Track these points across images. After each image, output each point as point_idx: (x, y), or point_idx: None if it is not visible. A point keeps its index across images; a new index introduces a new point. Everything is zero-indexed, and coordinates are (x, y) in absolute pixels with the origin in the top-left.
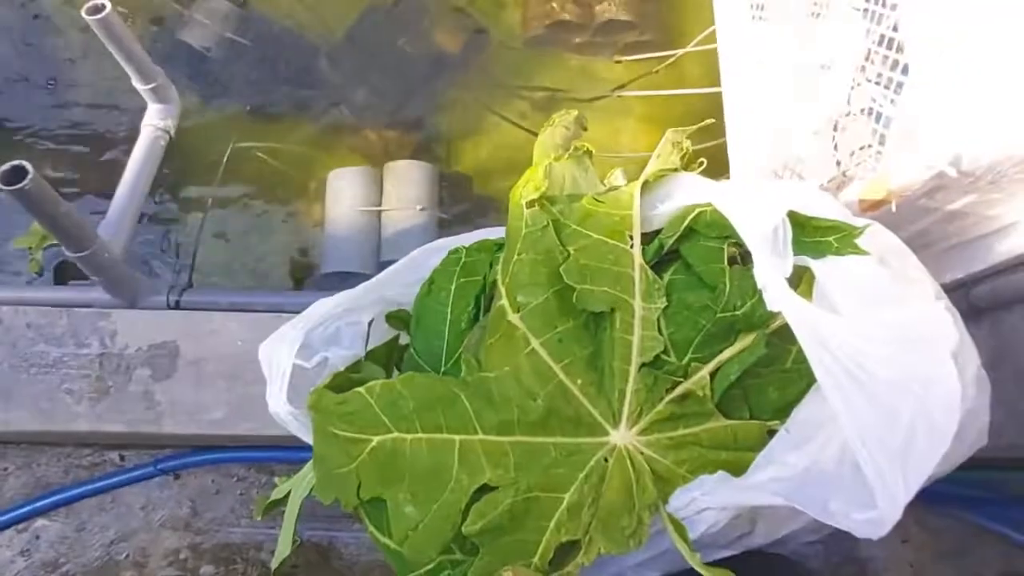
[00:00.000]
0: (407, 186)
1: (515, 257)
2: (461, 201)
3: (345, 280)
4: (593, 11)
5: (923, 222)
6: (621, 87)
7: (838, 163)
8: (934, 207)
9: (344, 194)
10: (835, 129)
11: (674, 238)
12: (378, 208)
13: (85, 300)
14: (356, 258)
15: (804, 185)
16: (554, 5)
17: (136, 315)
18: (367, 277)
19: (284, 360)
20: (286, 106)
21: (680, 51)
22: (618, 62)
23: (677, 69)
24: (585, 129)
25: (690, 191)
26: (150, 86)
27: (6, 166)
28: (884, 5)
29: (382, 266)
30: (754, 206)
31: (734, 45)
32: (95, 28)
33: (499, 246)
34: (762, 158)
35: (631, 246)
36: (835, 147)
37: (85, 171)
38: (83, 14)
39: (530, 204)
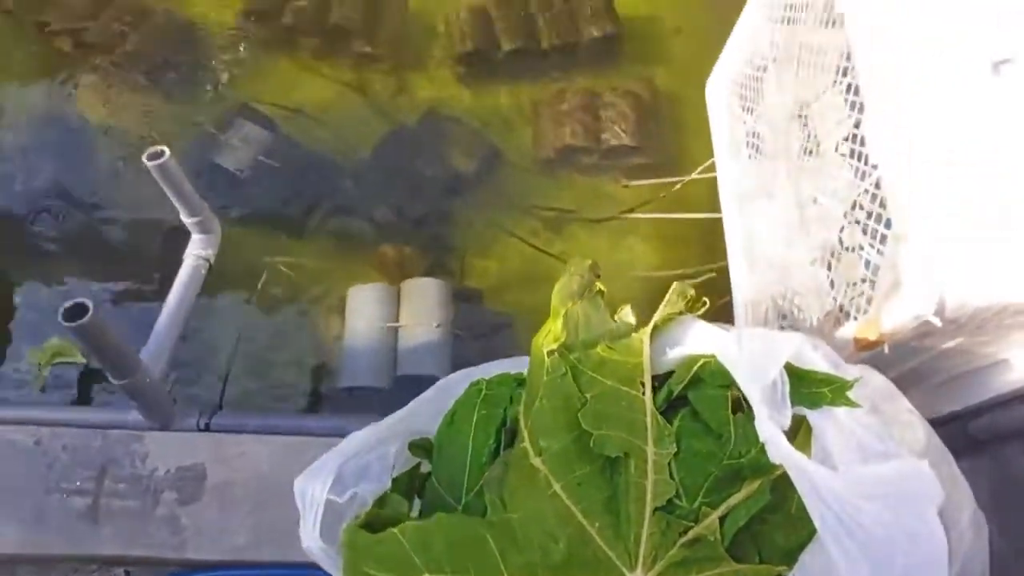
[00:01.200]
0: (423, 303)
1: (537, 403)
2: (474, 316)
3: (361, 394)
4: (600, 137)
5: (916, 360)
6: (630, 210)
7: (834, 298)
8: (926, 348)
9: (363, 310)
10: (830, 262)
11: (682, 386)
12: (395, 324)
13: (120, 422)
14: (373, 373)
15: (798, 336)
16: (565, 130)
17: (168, 437)
18: (382, 391)
19: (318, 495)
20: (310, 223)
21: (684, 179)
22: (626, 186)
23: (682, 191)
24: (598, 276)
25: (696, 338)
26: (196, 219)
27: (69, 303)
28: (867, 163)
29: (398, 381)
30: (753, 359)
31: (732, 177)
32: (154, 172)
33: (519, 381)
34: (763, 285)
35: (643, 393)
36: (831, 282)
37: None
38: (144, 160)
39: (550, 353)
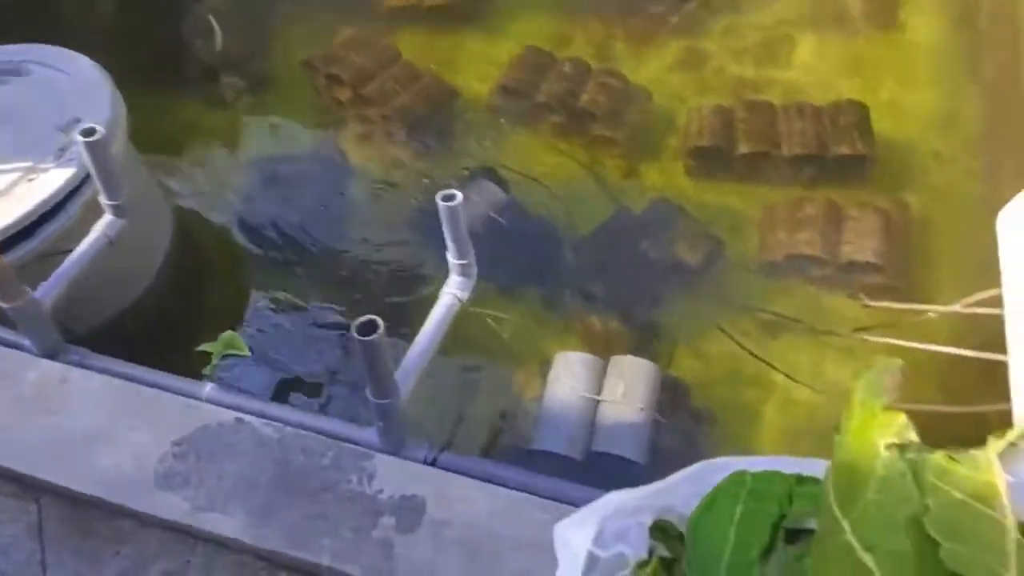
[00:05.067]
0: (631, 382)
1: (866, 496)
2: (676, 406)
3: (549, 460)
4: (838, 250)
5: None
6: (864, 329)
7: None
8: None
9: (567, 377)
10: None
11: None
12: (598, 398)
13: (356, 438)
14: (567, 442)
15: None
16: (800, 237)
17: (396, 463)
18: (574, 462)
19: (581, 544)
20: (525, 283)
21: (941, 308)
22: (866, 306)
23: (925, 323)
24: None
25: None
26: (462, 262)
27: (364, 319)
28: None
29: (591, 456)
30: None
31: None
32: (443, 213)
33: (799, 479)
34: None
35: (1004, 516)
36: None
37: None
38: (438, 200)
39: (888, 447)
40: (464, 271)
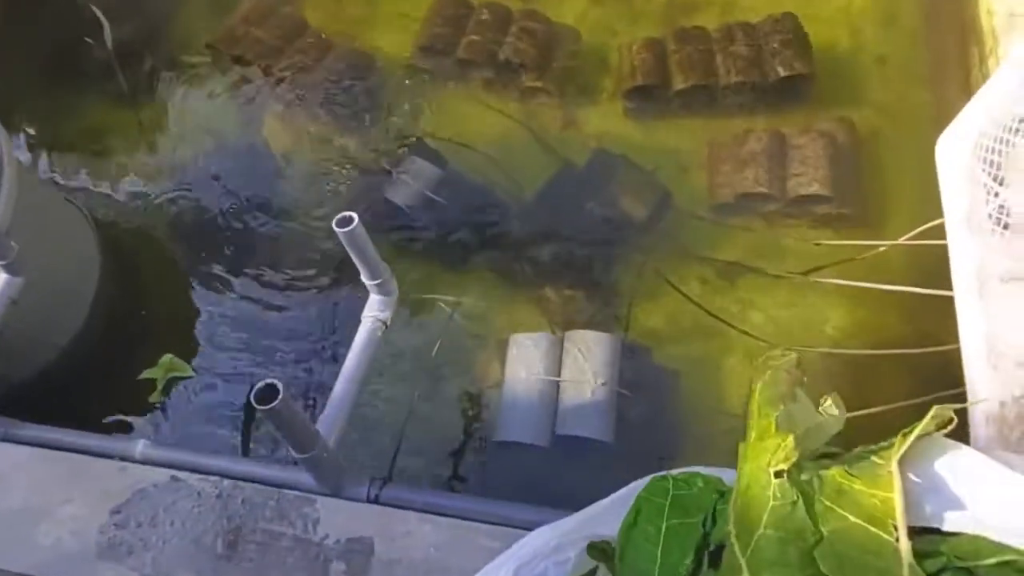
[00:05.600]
0: (589, 357)
1: (760, 530)
2: (638, 371)
3: (516, 450)
4: (787, 184)
5: None
6: (816, 269)
7: None
8: None
9: (524, 361)
10: None
11: (967, 567)
12: (558, 379)
13: (295, 481)
14: (532, 430)
15: None
16: (746, 175)
17: (338, 505)
18: (540, 449)
19: None
20: (473, 261)
21: (889, 243)
22: (818, 244)
23: (884, 253)
24: (804, 374)
25: (983, 499)
26: (377, 282)
27: (261, 384)
28: None
29: (556, 440)
30: None
31: (969, 255)
32: (342, 239)
33: (719, 492)
34: (1010, 387)
35: (896, 539)
36: None
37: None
38: (333, 226)
39: (779, 474)
40: (382, 290)
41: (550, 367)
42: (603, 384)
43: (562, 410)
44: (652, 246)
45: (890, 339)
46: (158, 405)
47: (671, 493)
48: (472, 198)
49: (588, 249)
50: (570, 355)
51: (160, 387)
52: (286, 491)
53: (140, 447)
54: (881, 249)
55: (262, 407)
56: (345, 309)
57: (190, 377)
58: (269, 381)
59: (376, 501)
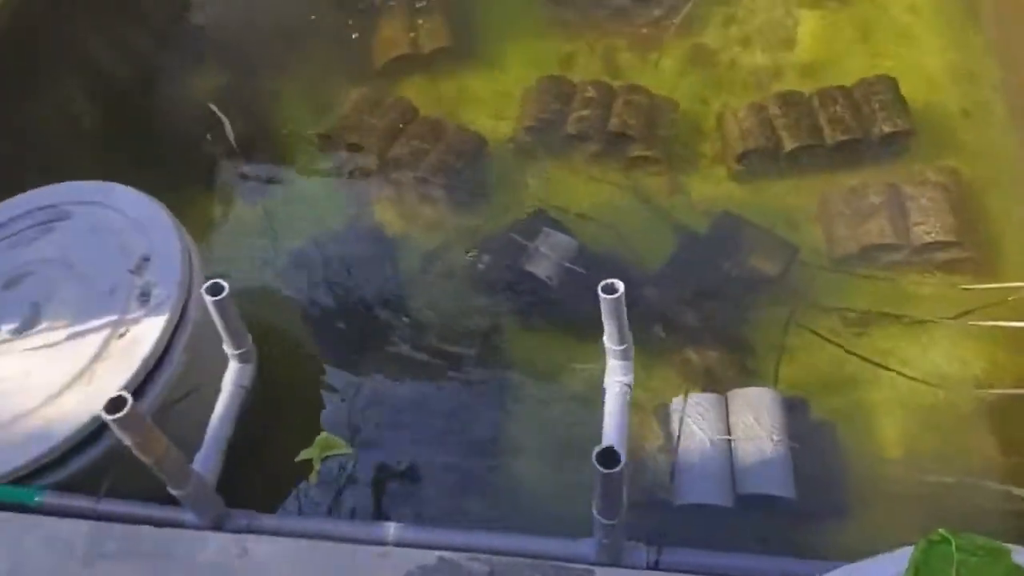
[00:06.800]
0: (758, 414)
1: None
2: (801, 427)
3: (698, 512)
4: (911, 233)
5: None
6: (966, 313)
7: None
8: None
9: (693, 420)
10: None
11: None
12: (731, 438)
13: (569, 554)
14: (714, 490)
15: None
16: (870, 227)
17: (618, 575)
18: (723, 509)
19: None
20: None
21: None
22: (967, 289)
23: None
24: None
25: None
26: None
27: (601, 448)
28: None
29: (739, 500)
30: None
31: None
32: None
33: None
34: None
35: None
36: None
37: None
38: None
39: None
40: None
41: (719, 425)
42: (778, 440)
43: (741, 469)
44: (787, 300)
45: None
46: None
47: (956, 558)
48: (605, 267)
49: (724, 309)
50: (737, 413)
51: (317, 467)
52: (561, 563)
53: (392, 531)
54: None
55: (607, 471)
56: (488, 386)
57: (347, 453)
58: (607, 446)
59: (656, 567)
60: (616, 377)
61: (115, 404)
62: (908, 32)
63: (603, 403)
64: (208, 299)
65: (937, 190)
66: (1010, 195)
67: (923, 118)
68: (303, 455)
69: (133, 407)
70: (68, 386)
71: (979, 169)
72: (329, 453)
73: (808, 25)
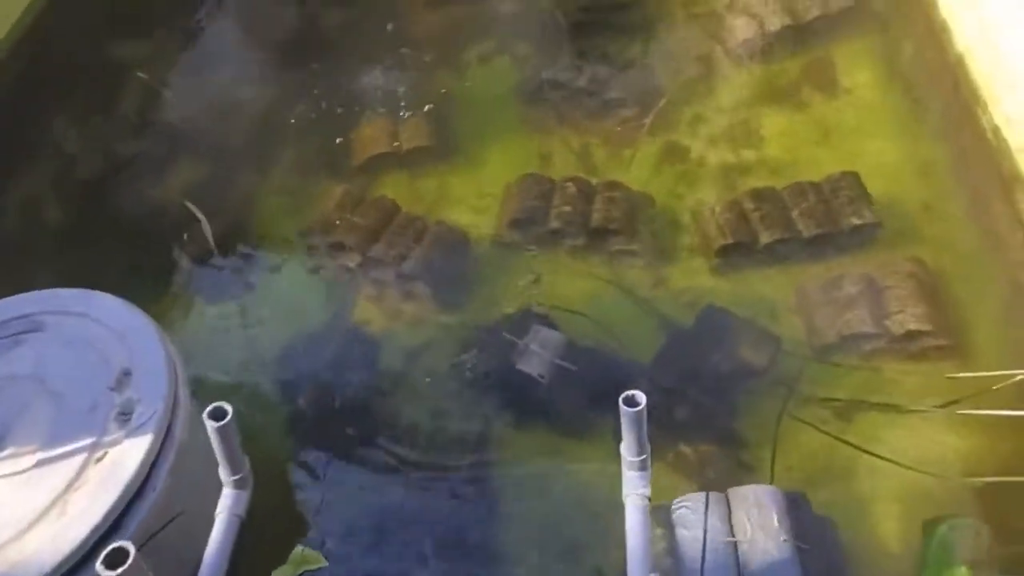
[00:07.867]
0: (762, 513)
1: None
2: (803, 524)
3: None
4: (886, 322)
5: None
6: (953, 403)
7: None
8: None
9: (693, 523)
10: None
11: None
12: (737, 539)
13: None
14: None
15: None
16: (849, 317)
17: None
18: None
19: None
20: (603, 424)
21: None
22: (951, 378)
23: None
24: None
25: None
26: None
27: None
28: None
29: None
30: None
31: None
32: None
33: None
34: None
35: None
36: None
37: None
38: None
39: None
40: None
41: (723, 528)
42: (784, 540)
43: (749, 572)
44: (776, 391)
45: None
46: None
47: None
48: (595, 363)
49: (714, 403)
50: (739, 513)
51: None
52: None
53: None
54: (1018, 378)
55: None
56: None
57: (323, 566)
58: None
59: None
60: (635, 489)
61: (115, 557)
62: (863, 129)
63: (624, 518)
64: (210, 425)
65: (910, 280)
66: (976, 285)
67: (888, 211)
68: (277, 573)
69: (137, 560)
70: (38, 520)
71: (944, 261)
72: (306, 567)
73: (772, 125)
